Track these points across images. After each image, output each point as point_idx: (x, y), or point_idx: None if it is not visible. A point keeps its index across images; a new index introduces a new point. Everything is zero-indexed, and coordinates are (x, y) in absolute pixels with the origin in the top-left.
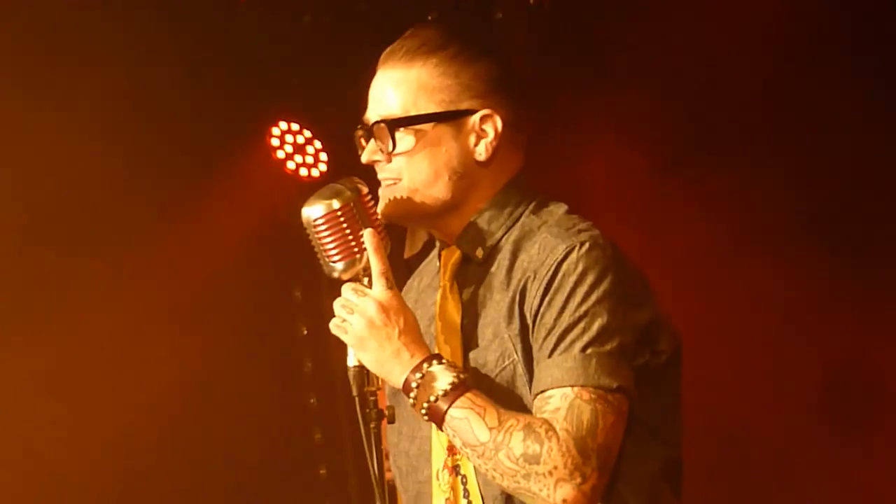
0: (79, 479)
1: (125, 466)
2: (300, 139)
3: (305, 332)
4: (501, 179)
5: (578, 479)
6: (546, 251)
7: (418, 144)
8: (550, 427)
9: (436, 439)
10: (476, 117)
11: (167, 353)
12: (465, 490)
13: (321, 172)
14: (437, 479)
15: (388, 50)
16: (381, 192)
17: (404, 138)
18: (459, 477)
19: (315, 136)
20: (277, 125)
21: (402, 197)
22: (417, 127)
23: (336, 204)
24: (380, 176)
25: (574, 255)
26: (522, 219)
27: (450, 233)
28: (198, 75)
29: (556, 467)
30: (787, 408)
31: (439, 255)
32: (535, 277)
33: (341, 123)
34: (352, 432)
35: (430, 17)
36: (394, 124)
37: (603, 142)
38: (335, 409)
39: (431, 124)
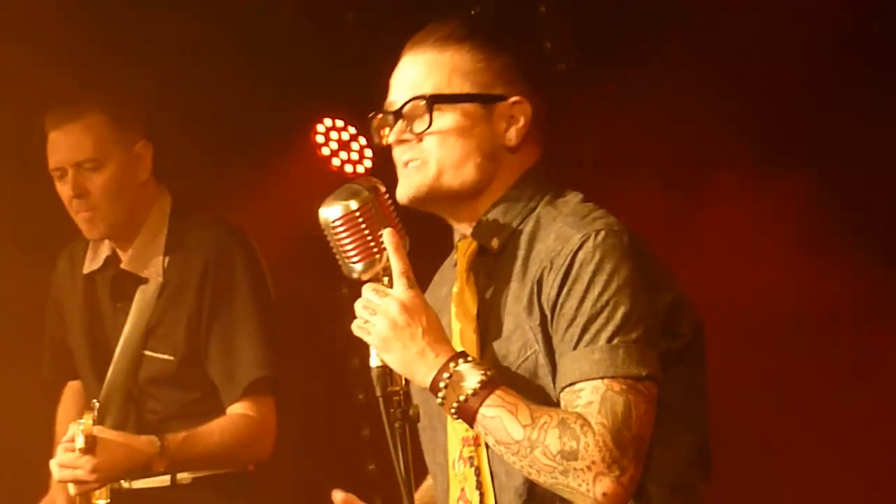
0: None
1: None
2: (345, 136)
3: None
4: (521, 169)
5: (617, 472)
6: (562, 241)
7: (453, 124)
8: (585, 422)
9: (451, 429)
10: (509, 102)
11: None
12: (479, 482)
13: (366, 169)
14: (454, 468)
15: (414, 38)
16: (402, 173)
17: (440, 117)
18: (473, 468)
19: (360, 133)
20: (322, 122)
21: (427, 178)
22: (453, 106)
23: (354, 204)
24: (403, 157)
25: (590, 244)
26: (538, 209)
27: (466, 222)
28: (241, 73)
29: (594, 462)
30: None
31: (455, 247)
32: (551, 268)
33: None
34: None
35: (472, 12)
36: (433, 100)
37: (648, 135)
38: None
39: (467, 105)
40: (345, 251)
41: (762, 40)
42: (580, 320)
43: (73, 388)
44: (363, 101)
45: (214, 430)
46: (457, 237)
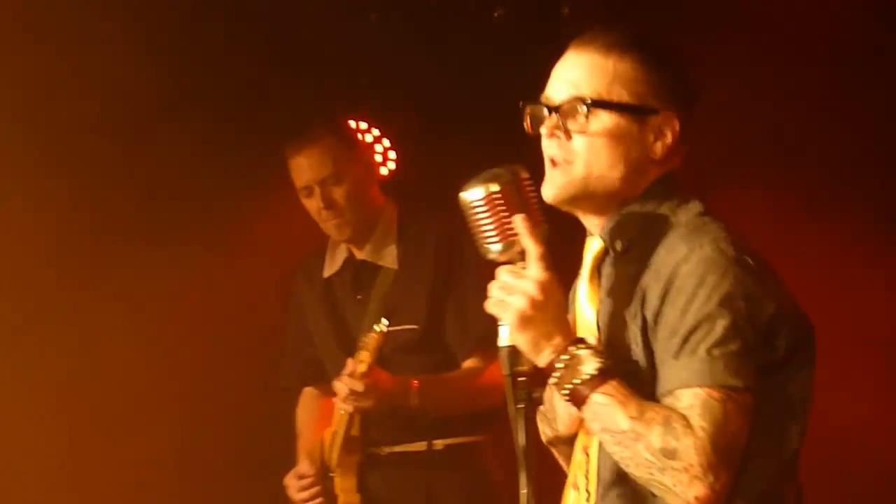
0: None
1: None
2: (368, 137)
3: None
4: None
5: (711, 478)
6: (670, 253)
7: (605, 130)
8: (688, 424)
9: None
10: (660, 117)
11: (244, 360)
12: (587, 470)
13: (390, 170)
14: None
15: (578, 39)
16: (549, 173)
17: (594, 121)
18: (586, 457)
19: (383, 135)
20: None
21: (573, 180)
22: (609, 113)
23: (494, 187)
24: (550, 151)
25: (694, 257)
26: (661, 217)
27: (597, 223)
28: (264, 75)
29: (691, 465)
30: None
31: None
32: (657, 278)
33: (409, 121)
34: None
35: (495, 14)
36: (594, 104)
37: None
38: None
39: (624, 114)
40: (482, 232)
41: (800, 44)
42: (682, 331)
43: (308, 394)
44: (387, 102)
45: (456, 375)
46: (588, 234)
